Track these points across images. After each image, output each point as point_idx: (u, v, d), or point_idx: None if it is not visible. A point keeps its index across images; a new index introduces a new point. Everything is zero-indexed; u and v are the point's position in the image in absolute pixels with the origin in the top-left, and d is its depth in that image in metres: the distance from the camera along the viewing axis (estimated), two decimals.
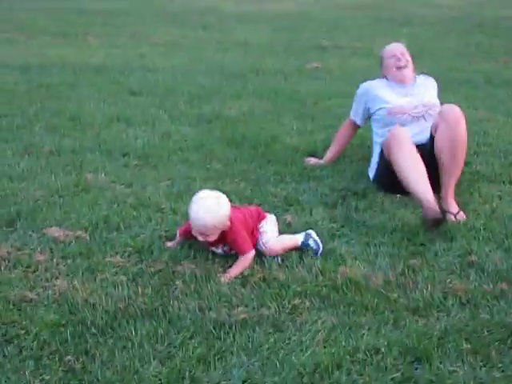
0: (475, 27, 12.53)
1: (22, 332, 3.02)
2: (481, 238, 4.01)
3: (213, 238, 3.66)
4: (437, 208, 4.10)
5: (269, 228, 3.83)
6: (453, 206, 4.36)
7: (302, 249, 3.80)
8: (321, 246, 3.81)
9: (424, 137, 4.72)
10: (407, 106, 4.90)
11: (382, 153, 4.74)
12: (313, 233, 3.88)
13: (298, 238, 3.84)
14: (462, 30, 12.26)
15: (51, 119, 6.22)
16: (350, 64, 9.23)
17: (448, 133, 4.44)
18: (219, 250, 3.76)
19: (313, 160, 5.26)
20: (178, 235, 3.87)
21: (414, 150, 4.42)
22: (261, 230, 3.81)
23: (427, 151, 4.54)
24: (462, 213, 4.32)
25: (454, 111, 4.49)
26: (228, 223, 3.66)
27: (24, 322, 3.08)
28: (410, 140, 4.49)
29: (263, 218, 3.88)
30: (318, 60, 9.34)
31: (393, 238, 4.02)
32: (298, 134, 5.95)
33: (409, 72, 5.04)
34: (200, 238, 3.66)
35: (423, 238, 4.00)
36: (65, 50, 9.78)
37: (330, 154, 5.25)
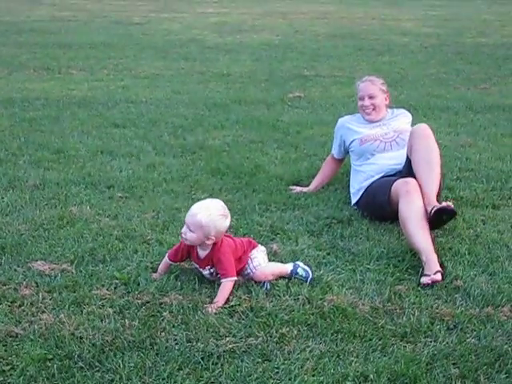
0: (455, 55, 12.70)
1: (8, 368, 2.99)
2: (466, 263, 4.04)
3: (192, 238, 3.66)
4: (437, 268, 3.87)
5: (259, 255, 3.85)
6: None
7: (291, 277, 3.81)
8: (310, 273, 3.82)
9: (399, 163, 4.82)
10: (377, 133, 5.08)
11: (367, 183, 4.82)
12: (300, 263, 3.90)
13: (287, 267, 3.85)
14: (441, 57, 12.42)
15: (35, 153, 6.22)
16: (331, 93, 9.32)
17: (421, 145, 4.54)
18: (206, 272, 3.77)
19: (297, 189, 5.30)
20: (165, 258, 3.87)
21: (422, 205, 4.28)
22: (251, 256, 3.82)
23: (404, 176, 4.60)
24: (450, 203, 4.35)
25: (422, 127, 4.68)
26: (213, 238, 3.67)
27: (10, 358, 3.05)
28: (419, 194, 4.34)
29: (254, 246, 3.89)
30: (300, 89, 9.42)
31: (379, 264, 4.04)
32: (281, 163, 5.99)
33: (376, 115, 5.19)
34: (183, 230, 3.69)
35: (409, 264, 4.02)
36: (47, 83, 9.80)
37: (314, 183, 5.32)
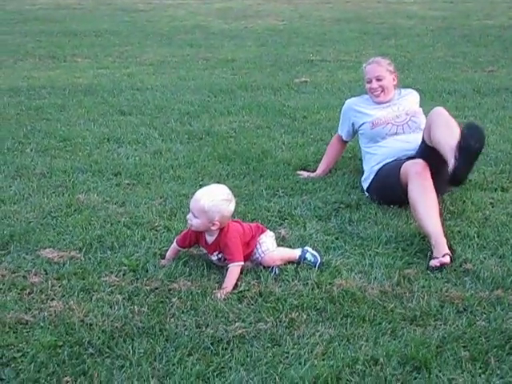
0: (461, 37, 12.61)
1: (19, 355, 3.00)
2: (475, 246, 4.02)
3: (197, 224, 3.66)
4: (446, 251, 3.86)
5: (268, 240, 3.85)
6: None
7: (299, 262, 3.80)
8: (319, 258, 3.82)
9: (412, 148, 4.74)
10: (389, 115, 5.01)
11: (378, 166, 4.79)
12: (309, 248, 3.89)
13: (296, 252, 3.85)
14: (448, 40, 12.34)
15: (42, 141, 6.22)
16: (337, 77, 9.27)
17: (440, 121, 4.41)
18: (214, 258, 3.77)
19: (305, 174, 5.28)
20: (174, 244, 3.87)
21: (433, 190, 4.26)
22: (260, 241, 3.82)
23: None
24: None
25: (439, 110, 4.54)
26: (217, 223, 3.67)
27: (20, 345, 3.07)
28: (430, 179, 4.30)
29: (263, 231, 3.89)
30: (306, 74, 9.38)
31: (387, 248, 4.03)
32: (288, 148, 5.97)
33: (384, 96, 5.10)
34: (188, 216, 3.69)
35: (417, 248, 4.01)
36: (53, 71, 9.78)
37: (321, 168, 5.29)
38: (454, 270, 3.75)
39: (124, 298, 3.46)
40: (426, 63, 10.14)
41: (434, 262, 3.78)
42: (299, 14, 16.43)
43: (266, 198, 4.83)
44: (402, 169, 4.41)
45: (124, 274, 3.71)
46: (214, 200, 3.66)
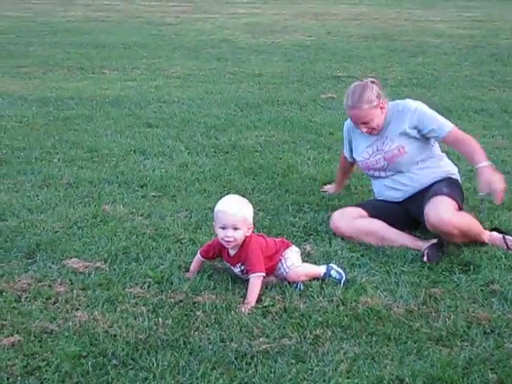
0: (489, 56, 12.54)
1: (44, 364, 3.01)
2: (502, 267, 3.98)
3: (240, 236, 3.68)
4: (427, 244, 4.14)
5: (293, 255, 3.84)
6: None
7: (324, 279, 3.78)
8: (343, 275, 3.79)
9: (398, 193, 4.52)
10: (370, 160, 4.60)
11: (376, 197, 4.73)
12: (334, 265, 3.87)
13: (321, 269, 3.83)
14: (476, 59, 12.27)
15: (69, 151, 6.27)
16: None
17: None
18: (237, 270, 3.77)
19: (330, 189, 5.21)
20: (197, 255, 3.88)
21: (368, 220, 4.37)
22: (285, 256, 3.81)
23: (399, 208, 4.47)
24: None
25: (441, 224, 4.09)
26: (252, 226, 3.74)
27: (45, 354, 3.08)
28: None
29: (288, 246, 3.88)
30: (333, 90, 9.37)
31: (413, 266, 3.99)
32: (314, 164, 5.96)
33: (377, 131, 4.52)
34: (228, 234, 3.67)
35: (444, 267, 3.97)
36: (81, 83, 9.87)
37: (336, 184, 5.21)
38: (481, 291, 3.71)
39: (148, 310, 3.46)
40: (452, 81, 10.09)
41: (423, 251, 4.04)
42: (326, 30, 16.45)
43: (291, 213, 4.82)
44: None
45: (149, 286, 3.72)
46: (244, 205, 3.76)
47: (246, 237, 3.73)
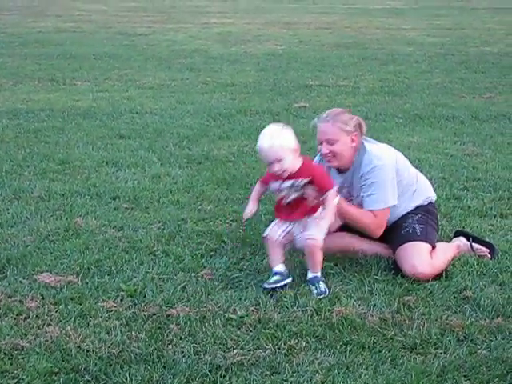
0: (459, 64, 12.66)
1: (14, 382, 2.98)
2: (475, 273, 4.00)
3: (287, 164, 3.71)
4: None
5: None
6: None
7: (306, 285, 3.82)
8: (326, 292, 3.78)
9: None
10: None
11: None
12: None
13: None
14: (446, 66, 12.39)
15: (40, 164, 6.20)
16: (336, 102, 9.27)
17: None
18: (287, 184, 3.77)
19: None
20: (257, 185, 3.97)
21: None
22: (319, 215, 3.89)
23: None
24: None
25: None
26: (297, 148, 3.75)
27: (15, 371, 3.03)
28: None
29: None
30: (305, 99, 9.40)
31: (386, 274, 4.00)
32: None
33: (338, 163, 4.20)
34: (276, 169, 3.72)
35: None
36: (52, 94, 9.79)
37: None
38: (454, 298, 3.73)
39: (121, 324, 3.43)
40: (423, 89, 10.17)
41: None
42: (298, 39, 16.50)
43: (264, 222, 4.79)
44: None
45: (121, 300, 3.69)
46: (278, 135, 3.75)
47: (304, 160, 3.78)
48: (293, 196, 3.82)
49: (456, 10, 24.81)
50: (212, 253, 4.30)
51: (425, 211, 4.33)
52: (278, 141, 3.73)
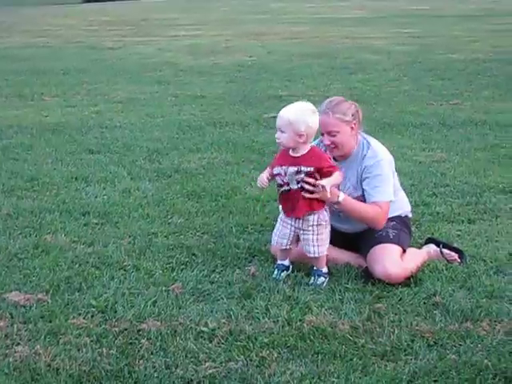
0: (427, 71, 12.80)
1: None
2: (444, 279, 4.04)
3: (284, 139, 3.87)
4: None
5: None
6: None
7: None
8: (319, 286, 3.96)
9: (345, 227, 4.35)
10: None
11: None
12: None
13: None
14: (414, 74, 12.51)
15: (8, 181, 6.14)
16: None
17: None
18: (292, 170, 3.88)
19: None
20: (267, 169, 4.08)
21: None
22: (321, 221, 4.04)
23: (350, 238, 4.36)
24: None
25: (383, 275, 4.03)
26: (304, 134, 3.84)
27: None
28: None
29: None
30: (275, 109, 9.39)
31: (357, 283, 4.03)
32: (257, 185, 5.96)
33: (339, 151, 4.27)
34: (276, 135, 3.90)
35: (387, 281, 4.01)
36: (20, 110, 9.72)
37: None
38: (424, 304, 3.76)
39: (92, 341, 3.41)
40: (392, 97, 10.27)
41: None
42: (267, 50, 16.59)
43: (235, 234, 4.82)
44: None
45: (92, 316, 3.67)
46: (297, 111, 3.86)
47: (312, 147, 3.92)
48: (292, 185, 3.91)
49: (423, 18, 25.08)
50: (183, 266, 4.30)
51: (400, 220, 4.39)
52: (291, 115, 3.86)
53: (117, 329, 3.52)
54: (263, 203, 5.45)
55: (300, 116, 3.86)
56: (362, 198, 4.25)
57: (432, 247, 4.39)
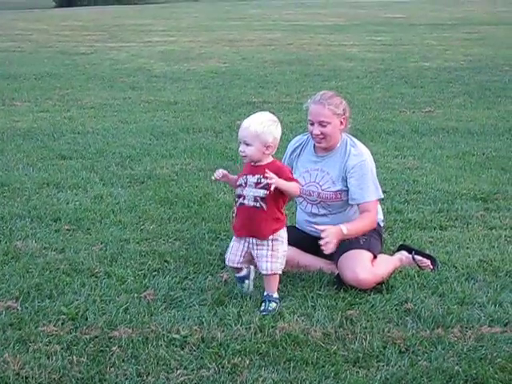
0: (399, 79, 12.89)
1: None
2: (416, 286, 4.07)
3: (251, 152, 3.75)
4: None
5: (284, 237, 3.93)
6: None
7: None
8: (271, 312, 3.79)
9: (321, 225, 4.24)
10: (303, 190, 4.36)
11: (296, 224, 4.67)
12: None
13: None
14: (387, 82, 12.60)
15: None
16: (279, 119, 9.32)
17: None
18: (253, 180, 3.78)
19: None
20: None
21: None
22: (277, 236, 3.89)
23: (314, 239, 4.29)
24: None
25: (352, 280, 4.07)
26: (272, 145, 3.79)
27: None
28: None
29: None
30: (248, 116, 9.42)
31: (329, 289, 4.04)
32: (230, 191, 5.94)
33: (327, 143, 4.38)
34: (240, 149, 3.78)
35: (359, 288, 4.03)
36: None
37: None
38: (396, 310, 3.78)
39: (62, 348, 3.38)
40: (365, 104, 10.32)
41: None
42: (241, 57, 16.60)
43: (208, 241, 4.80)
44: None
45: (63, 323, 3.63)
46: (264, 122, 3.78)
47: (274, 160, 3.85)
48: (248, 201, 3.81)
49: (396, 26, 25.27)
50: (155, 273, 4.28)
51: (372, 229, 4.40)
52: (257, 127, 3.78)
53: (88, 336, 3.49)
54: None
55: (267, 127, 3.79)
56: (340, 194, 4.36)
57: (404, 254, 4.41)
